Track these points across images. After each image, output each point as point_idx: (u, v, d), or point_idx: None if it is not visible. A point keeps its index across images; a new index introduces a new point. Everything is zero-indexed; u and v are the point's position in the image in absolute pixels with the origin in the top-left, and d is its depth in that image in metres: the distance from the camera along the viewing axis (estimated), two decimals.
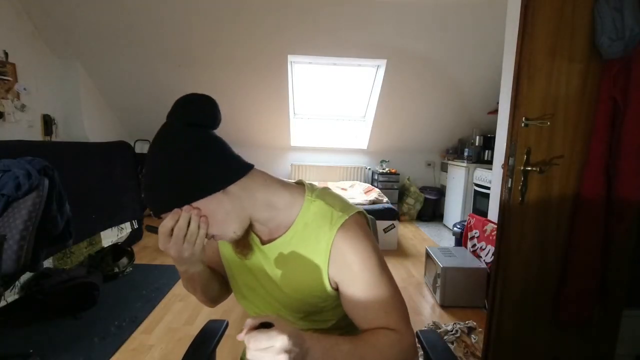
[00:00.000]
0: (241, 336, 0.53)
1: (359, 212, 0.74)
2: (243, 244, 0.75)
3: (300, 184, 0.78)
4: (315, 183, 3.57)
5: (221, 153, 0.67)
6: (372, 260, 0.68)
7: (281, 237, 0.72)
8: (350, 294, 0.69)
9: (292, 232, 0.72)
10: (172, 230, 0.64)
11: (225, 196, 0.66)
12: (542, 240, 1.46)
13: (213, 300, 0.88)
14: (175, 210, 0.64)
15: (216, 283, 0.86)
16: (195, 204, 0.65)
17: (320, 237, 0.69)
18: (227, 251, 0.82)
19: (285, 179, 0.78)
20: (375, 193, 3.97)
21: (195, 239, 0.65)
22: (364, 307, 0.68)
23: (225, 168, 0.66)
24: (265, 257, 0.75)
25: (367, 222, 0.76)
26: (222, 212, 0.66)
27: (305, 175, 4.83)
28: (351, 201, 0.82)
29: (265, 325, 0.54)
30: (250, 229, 0.73)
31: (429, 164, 5.02)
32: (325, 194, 0.75)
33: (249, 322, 0.55)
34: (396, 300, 0.69)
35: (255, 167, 0.72)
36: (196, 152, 0.64)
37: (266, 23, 3.25)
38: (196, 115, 0.66)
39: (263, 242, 0.75)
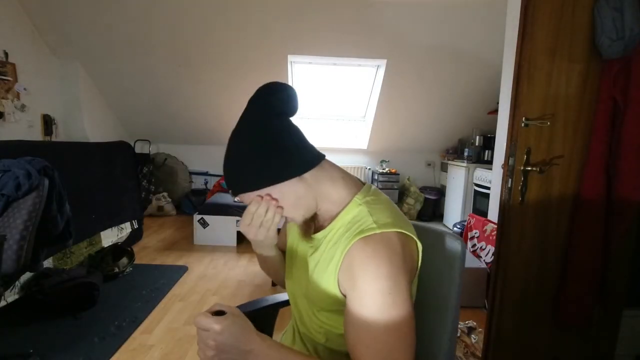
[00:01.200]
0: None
1: (401, 234, 0.66)
2: (308, 226, 0.77)
3: (362, 183, 0.78)
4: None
5: (299, 142, 0.70)
6: (377, 285, 0.61)
7: (322, 231, 0.74)
8: (346, 307, 0.66)
9: (330, 228, 0.73)
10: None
11: (299, 183, 0.70)
12: (542, 240, 1.46)
13: (280, 280, 0.93)
14: (257, 198, 0.70)
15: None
16: (271, 188, 0.69)
17: (342, 241, 0.68)
18: (291, 235, 0.86)
19: (351, 174, 0.79)
20: None
21: (269, 225, 0.72)
22: (350, 327, 0.64)
23: (302, 156, 0.70)
24: (310, 244, 0.78)
25: (411, 247, 0.68)
26: (294, 197, 0.70)
27: None
28: None
29: (220, 313, 0.60)
30: (315, 214, 0.77)
31: (429, 164, 5.02)
32: (375, 202, 0.72)
33: (215, 304, 0.62)
34: (390, 344, 0.61)
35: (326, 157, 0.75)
36: (277, 141, 0.68)
37: (266, 23, 3.24)
38: (278, 105, 0.69)
39: (315, 230, 0.78)
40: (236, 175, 0.70)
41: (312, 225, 0.77)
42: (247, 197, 0.72)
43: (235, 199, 3.53)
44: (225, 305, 0.61)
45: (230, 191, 0.74)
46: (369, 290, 0.61)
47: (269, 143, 0.67)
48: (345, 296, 0.68)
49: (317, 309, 0.76)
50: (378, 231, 0.64)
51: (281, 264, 0.90)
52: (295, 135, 0.70)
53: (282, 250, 0.93)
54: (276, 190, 0.69)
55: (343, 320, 0.68)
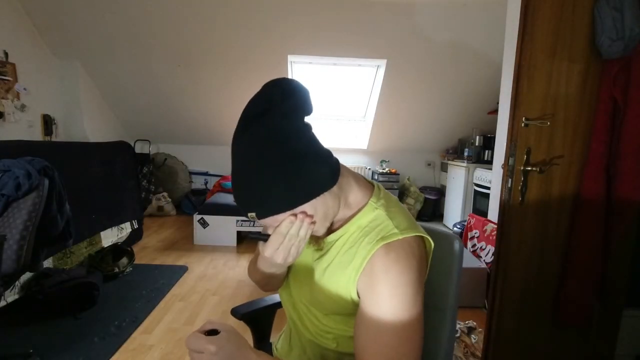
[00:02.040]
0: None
1: (419, 237, 0.67)
2: (323, 236, 0.73)
3: (370, 183, 0.76)
4: None
5: (323, 147, 0.64)
6: (396, 292, 0.61)
7: (333, 234, 0.71)
8: (360, 310, 0.65)
9: (342, 232, 0.71)
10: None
11: (328, 194, 0.64)
12: (542, 240, 1.46)
13: (274, 290, 0.89)
14: (290, 218, 0.62)
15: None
16: (306, 205, 0.61)
17: (364, 245, 0.66)
18: None
19: (359, 174, 0.76)
20: None
21: (301, 245, 0.64)
22: (363, 329, 0.64)
23: (332, 164, 0.65)
24: (316, 248, 0.74)
25: (425, 250, 0.69)
26: (325, 209, 0.65)
27: None
28: None
29: (213, 332, 0.57)
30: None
31: (429, 164, 5.02)
32: (391, 205, 0.71)
33: (207, 323, 0.58)
34: (398, 348, 0.61)
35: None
36: (308, 150, 0.61)
37: (266, 23, 3.25)
38: (299, 108, 0.61)
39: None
40: (263, 195, 0.60)
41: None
42: (274, 220, 0.62)
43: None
44: (217, 322, 0.58)
45: (250, 215, 0.62)
46: (388, 296, 0.61)
47: (303, 153, 0.60)
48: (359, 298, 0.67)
49: (324, 313, 0.74)
50: (400, 237, 0.64)
51: (284, 276, 0.84)
52: (319, 142, 0.64)
53: None
54: (310, 205, 0.62)
55: (354, 322, 0.67)
